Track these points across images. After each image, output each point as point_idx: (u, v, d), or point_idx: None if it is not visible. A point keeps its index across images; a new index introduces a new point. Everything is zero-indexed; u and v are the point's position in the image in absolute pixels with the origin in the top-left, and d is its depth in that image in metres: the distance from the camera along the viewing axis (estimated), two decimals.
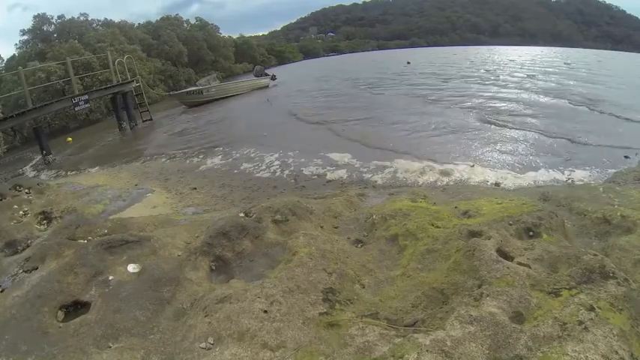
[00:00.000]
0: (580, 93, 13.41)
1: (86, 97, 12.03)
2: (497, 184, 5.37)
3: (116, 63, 14.14)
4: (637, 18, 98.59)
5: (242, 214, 3.56)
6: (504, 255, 2.46)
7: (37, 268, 2.99)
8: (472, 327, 1.81)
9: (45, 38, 24.37)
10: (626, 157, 6.20)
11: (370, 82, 20.25)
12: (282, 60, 54.27)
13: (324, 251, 2.79)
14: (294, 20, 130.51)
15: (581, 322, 1.74)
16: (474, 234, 2.73)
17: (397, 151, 7.46)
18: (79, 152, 11.34)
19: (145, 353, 2.04)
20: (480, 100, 12.42)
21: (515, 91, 14.46)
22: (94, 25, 28.42)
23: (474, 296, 2.06)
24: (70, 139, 13.46)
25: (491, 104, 11.65)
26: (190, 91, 18.38)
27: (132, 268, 2.80)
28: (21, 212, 4.68)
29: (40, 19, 24.55)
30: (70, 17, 26.02)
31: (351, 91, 17.52)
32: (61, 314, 2.44)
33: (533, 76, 19.65)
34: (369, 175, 6.27)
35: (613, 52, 55.21)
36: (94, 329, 2.21)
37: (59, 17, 25.40)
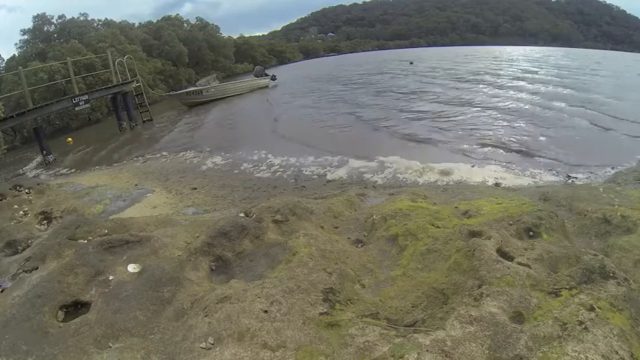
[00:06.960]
0: None
1: (86, 97, 12.04)
2: (497, 184, 5.37)
3: (116, 63, 14.14)
4: (637, 18, 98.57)
5: (242, 214, 3.56)
6: (504, 255, 2.46)
7: (37, 268, 2.99)
8: (472, 327, 1.81)
9: (45, 38, 24.40)
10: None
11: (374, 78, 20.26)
12: (282, 60, 54.25)
13: (324, 251, 2.79)
14: (295, 20, 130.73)
15: (581, 322, 1.74)
16: (474, 234, 2.73)
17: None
18: (79, 152, 11.35)
19: (145, 353, 2.04)
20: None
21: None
22: (95, 24, 28.48)
23: (474, 296, 2.06)
24: (70, 139, 13.45)
25: None
26: (190, 91, 18.37)
27: (132, 268, 2.80)
28: (21, 212, 4.69)
29: (41, 19, 24.58)
30: (71, 17, 26.12)
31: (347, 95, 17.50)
32: (61, 314, 2.44)
33: None
34: (369, 175, 6.27)
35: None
36: (94, 329, 2.21)
37: (60, 17, 25.49)
